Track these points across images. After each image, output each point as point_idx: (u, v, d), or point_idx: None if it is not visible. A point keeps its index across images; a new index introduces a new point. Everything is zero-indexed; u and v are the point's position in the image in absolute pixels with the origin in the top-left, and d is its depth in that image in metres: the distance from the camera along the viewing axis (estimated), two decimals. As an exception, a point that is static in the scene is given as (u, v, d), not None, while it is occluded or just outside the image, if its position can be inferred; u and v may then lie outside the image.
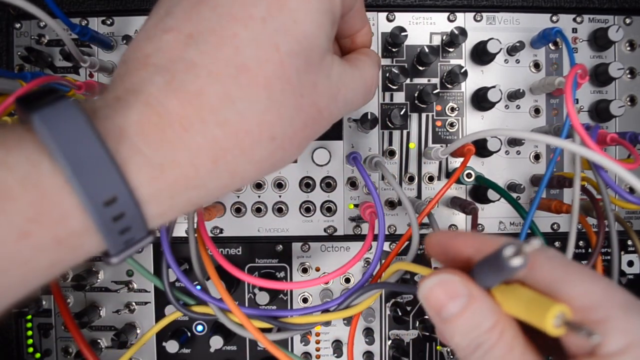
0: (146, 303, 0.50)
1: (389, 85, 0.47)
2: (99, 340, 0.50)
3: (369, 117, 0.44)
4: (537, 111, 0.48)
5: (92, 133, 0.18)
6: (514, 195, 0.47)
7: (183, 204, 0.21)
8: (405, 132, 0.48)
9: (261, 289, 0.47)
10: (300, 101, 0.23)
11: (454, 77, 0.43)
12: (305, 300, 0.50)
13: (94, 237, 0.19)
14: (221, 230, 0.48)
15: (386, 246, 0.49)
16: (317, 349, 0.50)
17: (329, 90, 0.25)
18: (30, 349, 0.50)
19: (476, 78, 0.48)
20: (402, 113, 0.45)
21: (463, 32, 0.43)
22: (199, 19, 0.22)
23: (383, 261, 0.41)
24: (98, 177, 0.18)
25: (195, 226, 0.37)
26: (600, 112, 0.47)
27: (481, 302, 0.21)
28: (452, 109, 0.48)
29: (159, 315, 0.50)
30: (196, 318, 0.48)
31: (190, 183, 0.21)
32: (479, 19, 0.48)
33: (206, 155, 0.21)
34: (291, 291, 0.50)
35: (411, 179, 0.48)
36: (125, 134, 0.19)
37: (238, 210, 0.48)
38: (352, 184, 0.48)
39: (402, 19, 0.48)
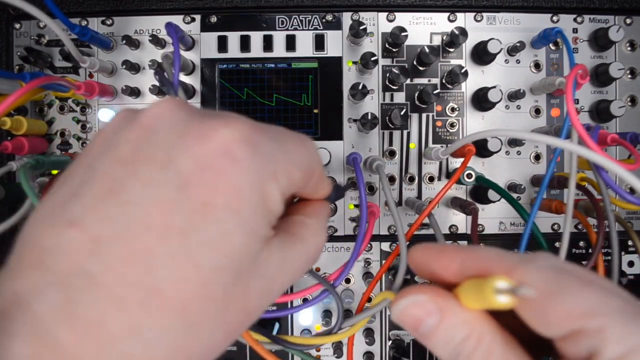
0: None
1: (389, 85, 0.47)
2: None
3: (369, 117, 0.44)
4: (537, 111, 0.48)
5: None
6: (515, 195, 0.47)
7: None
8: (405, 132, 0.48)
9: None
10: (225, 314, 0.20)
11: (455, 77, 0.43)
12: (305, 300, 0.50)
13: None
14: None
15: (386, 247, 0.49)
16: (318, 349, 0.50)
17: (264, 287, 0.21)
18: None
19: (476, 78, 0.48)
20: (402, 113, 0.45)
21: (463, 32, 0.43)
22: (107, 217, 0.18)
23: (384, 261, 0.41)
24: None
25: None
26: (600, 112, 0.46)
27: (452, 315, 0.21)
28: (453, 109, 0.48)
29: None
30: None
31: None
32: (479, 19, 0.48)
33: None
34: (292, 291, 0.50)
35: (411, 179, 0.48)
36: None
37: (238, 211, 0.48)
38: (353, 184, 0.48)
39: (403, 19, 0.48)
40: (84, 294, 0.17)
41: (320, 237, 0.25)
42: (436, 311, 0.22)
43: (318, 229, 0.25)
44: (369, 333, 0.50)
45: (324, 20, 0.48)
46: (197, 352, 0.20)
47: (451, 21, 0.48)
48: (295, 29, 0.48)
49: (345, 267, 0.36)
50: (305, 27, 0.48)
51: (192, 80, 0.48)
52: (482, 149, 0.43)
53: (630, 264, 0.49)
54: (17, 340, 0.16)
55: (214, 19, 0.48)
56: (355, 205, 0.48)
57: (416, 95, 0.47)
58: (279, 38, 0.48)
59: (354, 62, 0.48)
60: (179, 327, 0.18)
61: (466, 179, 0.44)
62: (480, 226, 0.48)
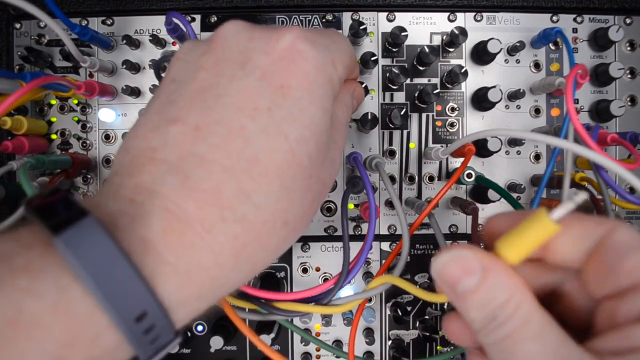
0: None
1: (389, 85, 0.47)
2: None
3: (369, 117, 0.44)
4: (537, 111, 0.48)
5: (119, 253, 0.17)
6: (514, 195, 0.47)
7: (208, 302, 0.22)
8: (405, 132, 0.48)
9: (262, 285, 0.47)
10: (309, 182, 0.24)
11: (454, 77, 0.43)
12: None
13: (126, 350, 0.19)
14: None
15: (386, 246, 0.49)
16: (317, 349, 0.50)
17: (332, 160, 0.26)
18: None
19: (476, 78, 0.48)
20: (402, 113, 0.45)
21: (463, 32, 0.43)
22: (203, 109, 0.22)
23: (384, 261, 0.40)
24: (128, 296, 0.18)
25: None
26: (600, 112, 0.47)
27: (496, 276, 0.21)
28: (453, 109, 0.48)
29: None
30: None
31: (216, 283, 0.21)
32: (479, 19, 0.48)
33: (229, 253, 0.21)
34: (292, 284, 0.50)
35: (411, 179, 0.48)
36: (149, 245, 0.19)
37: (238, 211, 0.48)
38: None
39: (403, 19, 0.48)
40: (197, 170, 0.20)
41: (341, 109, 0.29)
42: (479, 269, 0.21)
43: (337, 102, 0.28)
44: (369, 333, 0.50)
45: (324, 20, 0.48)
46: (293, 217, 0.23)
47: (451, 21, 0.48)
48: (296, 29, 0.48)
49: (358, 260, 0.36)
50: (305, 27, 0.48)
51: (192, 80, 0.48)
52: (482, 148, 0.43)
53: (630, 263, 0.49)
54: (152, 217, 0.19)
55: (214, 18, 0.48)
56: (355, 205, 0.48)
57: (416, 95, 0.47)
58: (279, 38, 0.48)
59: (354, 62, 0.48)
60: (278, 191, 0.22)
61: (466, 178, 0.44)
62: (480, 226, 0.48)
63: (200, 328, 0.50)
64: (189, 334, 0.50)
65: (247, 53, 0.23)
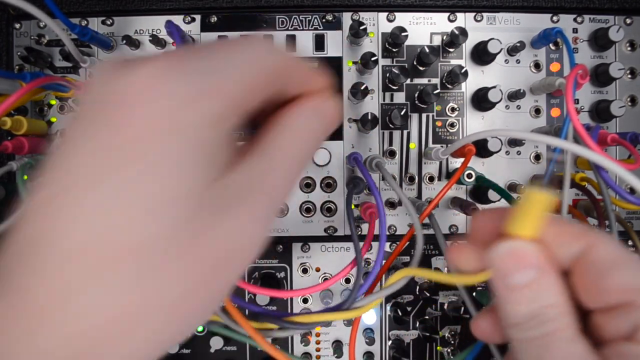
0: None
1: (389, 85, 0.47)
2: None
3: (369, 117, 0.44)
4: (537, 111, 0.48)
5: None
6: (515, 195, 0.47)
7: None
8: (405, 132, 0.48)
9: (262, 286, 0.47)
10: (178, 263, 0.17)
11: (455, 77, 0.43)
12: (305, 300, 0.50)
13: None
14: (221, 231, 0.48)
15: (386, 246, 0.49)
16: (318, 349, 0.50)
17: (227, 232, 0.18)
18: None
19: (476, 78, 0.48)
20: (402, 113, 0.45)
21: (463, 32, 0.43)
22: (52, 178, 0.17)
23: (384, 261, 0.40)
24: None
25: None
26: (600, 112, 0.46)
27: (551, 277, 0.21)
28: (453, 109, 0.48)
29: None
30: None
31: None
32: (479, 19, 0.48)
33: None
34: (291, 285, 0.50)
35: (411, 179, 0.48)
36: None
37: (238, 211, 0.48)
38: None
39: (403, 19, 0.48)
40: (29, 257, 0.16)
41: (287, 146, 0.19)
42: (537, 266, 0.21)
43: (277, 135, 0.19)
44: (369, 333, 0.50)
45: (324, 20, 0.48)
46: (155, 310, 0.17)
47: (451, 21, 0.48)
48: (295, 29, 0.48)
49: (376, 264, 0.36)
50: (305, 27, 0.48)
51: (192, 80, 0.48)
52: (482, 149, 0.43)
53: (630, 264, 0.49)
54: None
55: (214, 18, 0.48)
56: (355, 205, 0.48)
57: (416, 95, 0.47)
58: (279, 38, 0.48)
59: (354, 62, 0.48)
60: (129, 279, 0.16)
61: (466, 179, 0.44)
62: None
63: (200, 328, 0.50)
64: (189, 334, 0.50)
65: (94, 105, 0.18)
